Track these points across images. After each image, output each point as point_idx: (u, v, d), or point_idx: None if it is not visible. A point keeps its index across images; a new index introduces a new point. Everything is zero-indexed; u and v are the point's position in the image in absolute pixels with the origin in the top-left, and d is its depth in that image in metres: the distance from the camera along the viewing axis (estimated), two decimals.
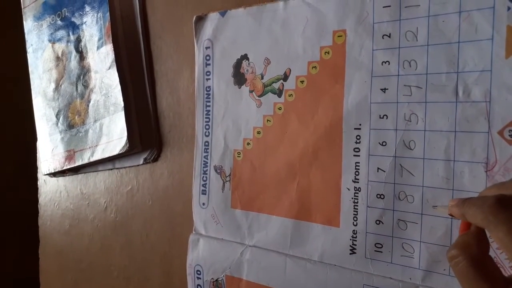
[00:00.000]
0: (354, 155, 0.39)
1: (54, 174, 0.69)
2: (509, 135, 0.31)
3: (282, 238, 0.43)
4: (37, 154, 0.73)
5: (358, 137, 0.38)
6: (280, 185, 0.43)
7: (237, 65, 0.46)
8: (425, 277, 0.35)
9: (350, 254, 0.39)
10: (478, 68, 0.33)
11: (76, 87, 0.61)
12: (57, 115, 0.65)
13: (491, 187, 0.26)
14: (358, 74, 0.38)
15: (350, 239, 0.39)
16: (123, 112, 0.54)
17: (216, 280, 0.48)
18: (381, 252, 0.37)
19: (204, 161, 0.49)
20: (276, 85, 0.44)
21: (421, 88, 0.35)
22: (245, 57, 0.46)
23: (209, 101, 0.49)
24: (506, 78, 0.31)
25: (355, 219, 0.39)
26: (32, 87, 0.70)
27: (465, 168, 0.33)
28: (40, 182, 0.74)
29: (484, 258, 0.23)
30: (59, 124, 0.65)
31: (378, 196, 0.37)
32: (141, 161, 0.56)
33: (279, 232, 0.44)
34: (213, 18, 0.48)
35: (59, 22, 0.64)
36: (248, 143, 0.46)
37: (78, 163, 0.61)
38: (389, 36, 0.37)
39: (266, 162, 0.44)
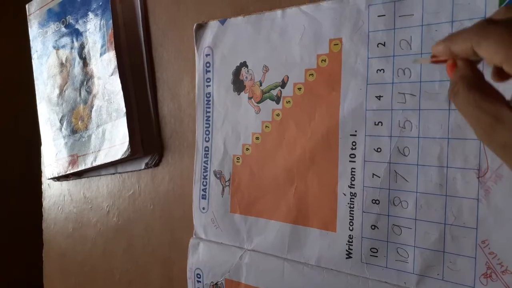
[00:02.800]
0: (350, 161, 0.39)
1: (58, 178, 0.70)
2: None
3: (280, 243, 0.44)
4: (41, 159, 0.74)
5: (354, 143, 0.39)
6: (278, 190, 0.44)
7: (237, 72, 0.47)
8: (419, 282, 0.36)
9: (346, 258, 0.40)
10: None
11: (80, 93, 0.63)
12: (61, 120, 0.66)
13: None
14: (353, 81, 0.39)
15: (346, 244, 0.40)
16: (125, 118, 0.55)
17: (216, 284, 0.49)
18: (377, 256, 0.38)
19: (204, 166, 0.50)
20: (274, 92, 0.44)
21: (415, 95, 0.36)
22: (244, 64, 0.47)
23: (209, 107, 0.50)
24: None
25: (351, 224, 0.39)
26: (36, 92, 0.72)
27: (458, 174, 0.34)
28: (44, 186, 0.75)
29: (481, 82, 0.23)
30: (62, 129, 0.66)
31: (374, 201, 0.38)
32: (143, 166, 0.57)
33: (277, 236, 0.44)
34: (213, 26, 0.49)
35: (63, 29, 0.65)
36: (247, 149, 0.47)
37: (81, 167, 0.62)
38: (384, 45, 0.37)
39: (265, 167, 0.45)
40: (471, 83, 0.23)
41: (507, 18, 0.23)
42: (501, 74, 0.25)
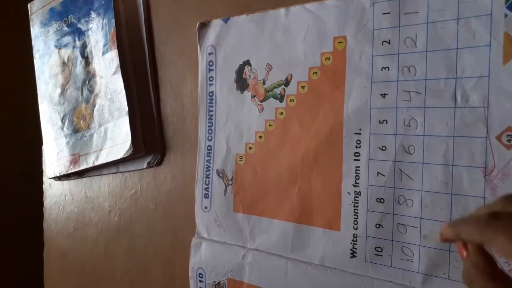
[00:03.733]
0: (355, 160, 0.39)
1: (59, 178, 0.70)
2: (507, 140, 0.32)
3: (283, 242, 0.44)
4: (43, 158, 0.74)
5: (358, 142, 0.39)
6: (282, 189, 0.44)
7: (240, 70, 0.47)
8: (424, 281, 0.35)
9: (351, 257, 0.39)
10: (476, 74, 0.33)
11: (82, 92, 0.62)
12: (62, 120, 0.66)
13: (479, 208, 0.27)
14: (358, 79, 0.39)
15: (351, 243, 0.39)
16: (127, 117, 0.55)
17: (218, 283, 0.49)
18: (381, 255, 0.38)
19: (206, 165, 0.50)
20: (277, 90, 0.44)
21: (420, 93, 0.36)
22: (247, 62, 0.46)
23: (212, 106, 0.50)
24: (504, 84, 0.32)
25: (355, 223, 0.39)
26: (38, 91, 0.71)
27: (464, 173, 0.34)
28: (45, 186, 0.75)
29: (495, 270, 0.24)
30: (64, 128, 0.66)
31: (378, 200, 0.38)
32: (145, 165, 0.57)
33: (280, 235, 0.44)
34: (216, 24, 0.49)
35: (65, 28, 0.65)
36: (250, 147, 0.46)
37: (83, 167, 0.62)
38: (389, 43, 0.37)
39: (268, 166, 0.45)
40: (486, 274, 0.24)
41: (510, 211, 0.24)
42: None
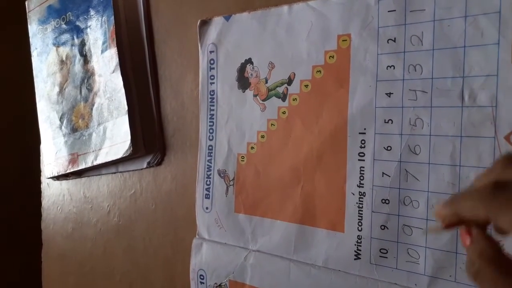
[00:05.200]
0: (359, 160, 0.38)
1: (58, 178, 0.69)
2: None
3: (286, 243, 0.43)
4: (41, 158, 0.73)
5: (363, 142, 0.38)
6: (284, 190, 0.43)
7: (241, 69, 0.46)
8: (430, 283, 0.35)
9: (355, 259, 0.39)
10: (484, 72, 0.32)
11: (80, 90, 0.62)
12: (61, 119, 0.65)
13: (476, 178, 0.24)
14: (363, 78, 0.38)
15: (355, 245, 0.39)
16: (126, 116, 0.54)
17: (220, 285, 0.48)
18: (386, 257, 0.37)
19: (207, 165, 0.49)
20: (280, 89, 0.43)
21: (426, 92, 0.35)
22: (249, 61, 0.46)
23: (213, 105, 0.49)
24: None
25: (359, 224, 0.38)
26: (36, 90, 0.70)
27: (471, 173, 0.33)
28: (43, 186, 0.74)
29: (503, 258, 0.22)
30: (62, 127, 0.65)
31: (383, 201, 0.37)
32: (145, 165, 0.56)
33: (283, 236, 0.43)
34: (217, 22, 0.48)
35: (63, 25, 0.64)
36: (252, 147, 0.46)
37: (82, 166, 0.61)
38: (394, 41, 0.36)
39: (270, 166, 0.44)
40: (495, 263, 0.21)
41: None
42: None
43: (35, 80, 0.71)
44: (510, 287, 0.21)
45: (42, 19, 0.68)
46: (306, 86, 0.42)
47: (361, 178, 0.38)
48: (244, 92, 0.46)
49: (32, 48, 0.71)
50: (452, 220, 0.24)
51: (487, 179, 0.23)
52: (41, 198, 0.74)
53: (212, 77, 0.49)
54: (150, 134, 0.55)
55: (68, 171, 0.64)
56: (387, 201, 0.37)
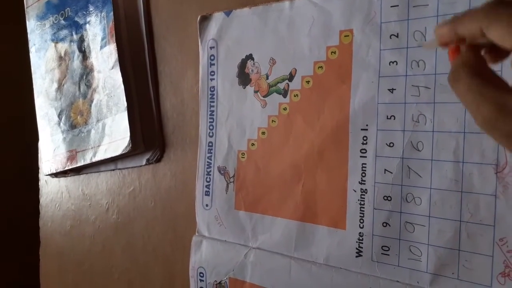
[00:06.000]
0: (361, 156, 0.38)
1: (56, 175, 0.68)
2: None
3: (286, 240, 0.43)
4: (39, 155, 0.72)
5: (365, 138, 0.38)
6: (285, 187, 0.43)
7: (242, 65, 0.46)
8: (433, 281, 0.34)
9: (356, 257, 0.38)
10: None
11: (79, 87, 0.61)
12: (59, 115, 0.65)
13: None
14: (365, 74, 0.38)
15: (356, 242, 0.38)
16: (126, 112, 0.53)
17: (220, 283, 0.47)
18: (388, 255, 0.37)
19: (207, 162, 0.49)
20: (281, 85, 0.43)
21: (429, 88, 0.35)
22: (250, 57, 0.45)
23: (213, 102, 0.49)
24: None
25: (361, 221, 0.38)
26: (34, 87, 0.70)
27: (474, 170, 0.33)
28: (41, 183, 0.74)
29: (484, 68, 0.22)
30: (61, 124, 0.65)
31: (385, 198, 0.37)
32: (144, 162, 0.56)
33: (283, 234, 0.43)
34: (218, 17, 0.48)
35: (62, 21, 0.63)
36: (253, 144, 0.45)
37: (80, 163, 0.61)
38: (397, 36, 0.36)
39: (271, 163, 0.44)
40: (474, 69, 0.22)
41: None
42: (498, 53, 0.24)
43: (33, 76, 0.70)
44: (486, 95, 0.21)
45: (41, 15, 0.67)
46: (308, 82, 0.41)
47: (363, 175, 0.38)
48: (244, 88, 0.46)
49: (30, 44, 0.70)
50: (448, 37, 0.24)
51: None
52: (39, 196, 0.74)
53: (213, 73, 0.48)
54: (150, 131, 0.55)
55: (66, 168, 0.64)
56: (389, 198, 0.37)
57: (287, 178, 0.43)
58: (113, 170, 0.60)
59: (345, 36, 0.39)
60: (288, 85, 0.43)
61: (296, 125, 0.42)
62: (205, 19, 0.48)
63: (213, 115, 0.49)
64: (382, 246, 0.37)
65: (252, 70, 0.45)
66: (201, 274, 0.49)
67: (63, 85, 0.64)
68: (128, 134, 0.53)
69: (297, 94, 0.42)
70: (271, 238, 0.44)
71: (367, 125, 0.38)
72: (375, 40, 0.37)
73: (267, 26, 0.44)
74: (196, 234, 0.50)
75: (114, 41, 0.55)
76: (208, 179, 0.49)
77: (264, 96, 0.44)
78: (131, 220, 0.59)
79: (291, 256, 0.42)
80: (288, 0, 0.42)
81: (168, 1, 0.53)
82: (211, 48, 0.48)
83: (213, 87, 0.48)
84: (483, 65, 0.23)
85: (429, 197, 0.35)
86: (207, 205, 0.49)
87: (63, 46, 0.64)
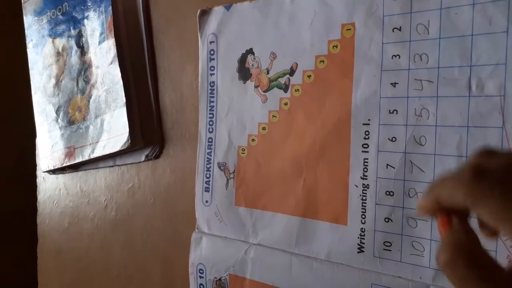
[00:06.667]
0: (363, 151, 0.38)
1: (54, 171, 0.68)
2: None
3: (287, 236, 0.42)
4: (36, 151, 0.72)
5: (367, 133, 0.38)
6: (286, 182, 0.43)
7: (242, 59, 0.45)
8: (435, 276, 0.34)
9: (358, 252, 0.38)
10: (492, 61, 0.32)
11: (77, 82, 0.60)
12: (57, 111, 0.64)
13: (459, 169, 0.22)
14: (367, 68, 0.37)
15: (358, 237, 0.38)
16: (124, 108, 0.53)
17: (219, 279, 0.47)
18: (390, 250, 0.36)
19: (207, 157, 0.48)
20: (282, 80, 0.43)
21: (432, 82, 0.34)
22: (250, 51, 0.45)
23: (213, 97, 0.48)
24: None
25: (363, 217, 0.38)
26: (32, 82, 0.69)
27: None
28: (39, 180, 0.73)
29: (479, 252, 0.20)
30: (59, 120, 0.64)
31: (387, 193, 0.36)
32: (143, 158, 0.55)
33: (284, 230, 0.43)
34: (218, 11, 0.47)
35: (60, 16, 0.63)
36: (253, 139, 0.45)
37: (78, 160, 0.60)
38: (400, 29, 0.36)
39: (272, 159, 0.44)
40: (470, 258, 0.20)
41: (496, 166, 0.20)
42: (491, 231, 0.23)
43: (30, 72, 0.69)
44: (482, 284, 0.19)
45: (38, 10, 0.66)
46: (309, 76, 0.41)
47: (365, 170, 0.38)
48: (245, 83, 0.45)
49: (28, 39, 0.69)
50: (432, 208, 0.23)
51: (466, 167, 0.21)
52: (37, 193, 0.73)
53: (212, 68, 0.48)
54: (149, 127, 0.54)
55: (64, 165, 0.63)
56: (391, 193, 0.36)
57: (288, 174, 0.42)
58: (112, 166, 0.59)
59: (347, 29, 0.39)
60: (289, 80, 0.42)
61: (297, 120, 0.42)
62: (205, 13, 0.48)
63: (213, 110, 0.48)
64: (384, 242, 0.37)
65: (252, 65, 0.45)
66: (201, 271, 0.49)
67: (61, 81, 0.63)
68: (127, 130, 0.52)
69: (298, 89, 0.42)
70: (271, 234, 0.44)
71: (369, 119, 0.37)
72: (377, 33, 0.37)
73: (267, 20, 0.43)
74: (196, 230, 0.49)
75: (113, 36, 0.54)
76: (208, 175, 0.48)
77: (264, 91, 0.44)
78: (130, 217, 0.58)
79: (292, 252, 0.42)
80: None
81: None
82: (211, 42, 0.48)
83: (213, 82, 0.48)
84: (479, 247, 0.20)
85: None
86: (207, 201, 0.48)
87: (60, 42, 0.63)
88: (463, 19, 0.33)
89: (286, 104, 0.43)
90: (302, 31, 0.41)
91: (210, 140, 0.48)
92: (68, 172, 0.66)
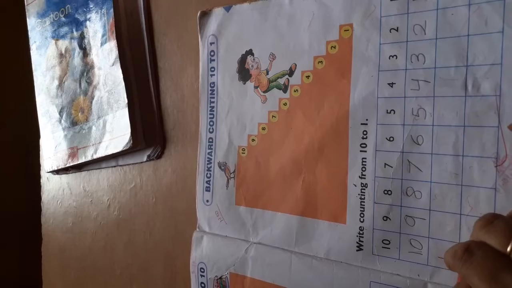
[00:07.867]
0: (361, 151, 0.38)
1: (57, 172, 0.68)
2: None
3: (287, 235, 0.43)
4: (40, 152, 0.73)
5: (364, 133, 0.38)
6: (285, 182, 0.43)
7: (242, 60, 0.46)
8: (433, 274, 0.35)
9: (357, 250, 0.38)
10: (488, 61, 0.32)
11: (80, 84, 0.61)
12: (60, 112, 0.65)
13: (474, 228, 0.27)
14: (365, 68, 0.38)
15: (357, 236, 0.38)
16: (126, 109, 0.53)
17: (220, 278, 0.48)
18: (389, 248, 0.37)
19: (208, 157, 0.49)
20: (281, 81, 0.43)
21: (429, 82, 0.35)
22: (250, 52, 0.45)
23: (213, 97, 0.49)
24: None
25: (362, 215, 0.38)
26: (35, 84, 0.70)
27: (474, 163, 0.33)
28: (43, 180, 0.74)
29: None
30: (62, 121, 0.65)
31: (385, 192, 0.37)
32: (145, 158, 0.56)
33: (284, 229, 0.43)
34: (217, 13, 0.48)
35: (62, 18, 0.63)
36: (253, 139, 0.45)
37: (81, 160, 0.61)
38: (397, 30, 0.36)
39: (271, 158, 0.44)
40: None
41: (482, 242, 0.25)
42: None
43: (34, 73, 0.70)
44: None
45: (41, 12, 0.67)
46: (308, 77, 0.41)
47: (363, 169, 0.38)
48: (244, 84, 0.46)
49: (31, 41, 0.70)
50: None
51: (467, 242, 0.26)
52: (41, 193, 0.74)
53: (213, 69, 0.48)
54: (150, 127, 0.55)
55: (67, 165, 0.64)
56: (389, 192, 0.37)
57: (287, 173, 0.43)
58: (114, 166, 0.60)
59: (345, 30, 0.39)
60: (288, 80, 0.43)
61: (296, 120, 0.42)
62: (205, 14, 0.48)
63: (213, 111, 0.49)
64: (383, 240, 0.37)
65: (252, 66, 0.45)
66: (202, 270, 0.49)
67: (64, 82, 0.64)
68: (129, 130, 0.53)
69: (297, 89, 0.42)
70: (271, 233, 0.44)
71: (367, 119, 0.38)
72: (375, 34, 0.37)
73: (267, 21, 0.44)
74: (197, 229, 0.50)
75: (114, 38, 0.55)
76: (208, 175, 0.49)
77: (264, 92, 0.44)
78: (133, 217, 0.59)
79: (292, 251, 0.42)
80: None
81: None
82: (211, 43, 0.48)
83: (213, 83, 0.48)
84: None
85: (429, 191, 0.35)
86: (207, 201, 0.49)
87: (63, 43, 0.64)
88: (459, 19, 0.33)
89: (285, 104, 0.43)
90: (300, 32, 0.42)
91: (210, 140, 0.49)
92: (72, 173, 0.67)
